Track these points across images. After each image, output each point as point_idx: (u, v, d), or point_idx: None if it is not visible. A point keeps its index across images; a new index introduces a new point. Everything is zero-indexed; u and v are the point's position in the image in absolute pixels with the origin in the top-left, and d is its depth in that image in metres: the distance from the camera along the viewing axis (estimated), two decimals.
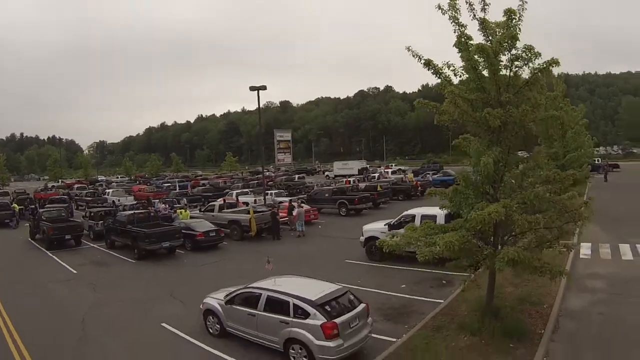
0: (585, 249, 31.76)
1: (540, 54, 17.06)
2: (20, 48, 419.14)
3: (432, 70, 18.00)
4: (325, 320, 16.29)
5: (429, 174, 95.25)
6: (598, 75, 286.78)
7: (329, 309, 16.84)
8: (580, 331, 18.82)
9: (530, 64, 17.27)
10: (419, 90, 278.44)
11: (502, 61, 17.36)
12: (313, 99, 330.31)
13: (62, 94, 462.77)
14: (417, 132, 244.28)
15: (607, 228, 37.87)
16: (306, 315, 16.74)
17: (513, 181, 18.41)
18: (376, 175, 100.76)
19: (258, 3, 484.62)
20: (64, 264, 35.40)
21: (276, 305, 17.79)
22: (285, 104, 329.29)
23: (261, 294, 18.46)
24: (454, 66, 17.92)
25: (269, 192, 63.84)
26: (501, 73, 17.45)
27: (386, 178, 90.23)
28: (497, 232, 17.91)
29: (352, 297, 18.28)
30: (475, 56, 17.29)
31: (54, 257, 38.20)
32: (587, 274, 26.55)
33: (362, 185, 74.75)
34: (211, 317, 20.25)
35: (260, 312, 18.11)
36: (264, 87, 53.83)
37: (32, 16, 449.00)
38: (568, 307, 21.34)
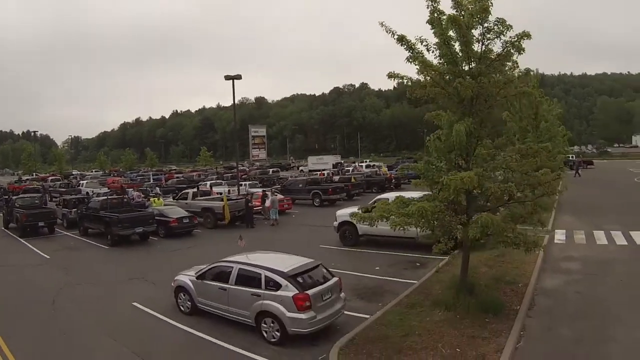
0: (559, 235, 31.88)
1: (511, 27, 17.14)
2: None
3: (405, 46, 17.89)
4: (297, 292, 16.15)
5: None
6: (573, 76, 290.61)
7: (301, 281, 16.69)
8: (557, 308, 18.81)
9: (502, 37, 17.29)
10: (394, 87, 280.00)
11: (474, 35, 17.39)
12: (288, 96, 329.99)
13: (37, 89, 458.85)
14: (392, 129, 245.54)
15: (580, 218, 38.44)
16: (278, 287, 16.59)
17: (484, 152, 18.31)
18: (350, 169, 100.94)
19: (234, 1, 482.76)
20: (36, 249, 35.16)
21: (247, 278, 17.61)
22: (260, 100, 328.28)
23: (232, 267, 18.30)
24: (426, 41, 17.81)
25: (243, 183, 63.59)
26: (473, 47, 17.47)
27: (360, 171, 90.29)
28: (470, 204, 17.88)
29: (324, 270, 18.17)
30: (449, 32, 17.33)
31: (27, 243, 37.86)
32: (562, 256, 26.64)
33: (336, 178, 74.63)
34: (182, 294, 20.00)
35: (231, 286, 17.92)
36: (239, 77, 53.34)
37: (4, 10, 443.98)
38: (543, 287, 21.39)
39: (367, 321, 17.82)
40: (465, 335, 15.89)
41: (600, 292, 20.53)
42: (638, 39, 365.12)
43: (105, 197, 43.09)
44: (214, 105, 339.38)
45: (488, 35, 17.37)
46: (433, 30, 17.68)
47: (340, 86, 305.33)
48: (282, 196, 51.37)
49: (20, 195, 53.66)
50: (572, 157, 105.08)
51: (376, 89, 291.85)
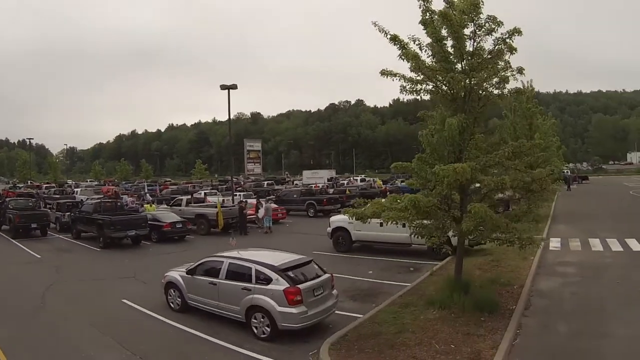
0: (554, 243, 31.82)
1: (502, 23, 17.29)
2: None
3: (398, 46, 17.89)
4: (288, 286, 15.95)
5: (397, 180, 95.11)
6: (569, 93, 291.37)
7: (292, 275, 16.52)
8: (553, 308, 18.68)
9: (494, 34, 17.44)
10: (390, 104, 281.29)
11: (466, 34, 17.50)
12: (284, 112, 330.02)
13: (34, 99, 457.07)
14: (387, 145, 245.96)
15: (576, 227, 38.68)
16: (268, 280, 16.41)
17: (475, 150, 18.16)
18: (345, 182, 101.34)
19: (230, 16, 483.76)
20: (28, 250, 35.11)
21: (238, 272, 17.45)
22: (256, 116, 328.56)
23: (223, 261, 18.16)
24: (419, 40, 17.91)
25: (238, 193, 63.45)
26: (465, 44, 17.59)
27: (354, 185, 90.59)
28: (463, 202, 17.81)
29: (316, 266, 17.98)
30: (441, 31, 17.46)
31: (18, 244, 37.82)
32: (557, 262, 26.57)
33: (330, 190, 74.66)
34: (172, 291, 19.78)
35: (221, 281, 17.73)
36: (234, 86, 53.33)
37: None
38: (539, 289, 21.25)
39: (360, 319, 17.58)
40: (460, 333, 15.66)
41: (597, 293, 20.42)
42: (632, 57, 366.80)
43: (99, 200, 43.00)
44: (210, 120, 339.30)
45: (479, 32, 17.49)
46: (425, 31, 17.78)
47: (336, 102, 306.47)
48: (275, 205, 51.13)
49: (14, 198, 53.44)
50: (567, 171, 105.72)
51: (372, 106, 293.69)
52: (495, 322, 16.55)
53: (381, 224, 29.27)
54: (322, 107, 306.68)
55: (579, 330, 16.20)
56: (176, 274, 19.89)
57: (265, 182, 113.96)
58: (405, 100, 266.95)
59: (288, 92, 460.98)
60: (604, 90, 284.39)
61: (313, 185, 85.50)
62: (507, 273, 23.24)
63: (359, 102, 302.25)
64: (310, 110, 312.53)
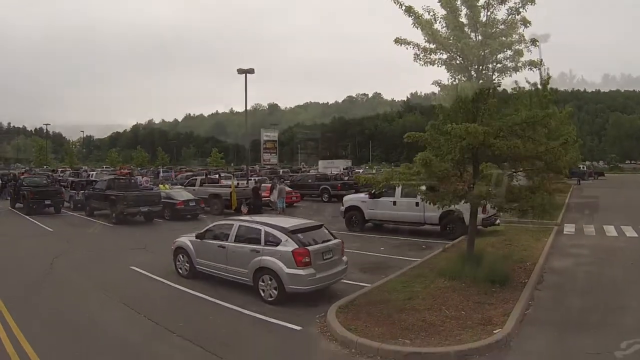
0: (569, 228, 31.68)
1: None
2: (6, 39, 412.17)
3: (412, 17, 17.82)
4: (297, 247, 15.86)
5: None
6: (587, 92, 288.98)
7: (301, 237, 16.44)
8: (566, 285, 18.48)
9: (507, 3, 17.32)
10: (407, 98, 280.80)
11: (479, 4, 17.41)
12: (302, 104, 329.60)
13: (51, 88, 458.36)
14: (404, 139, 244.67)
15: (590, 215, 38.20)
16: (277, 242, 16.36)
17: (489, 117, 17.97)
18: (361, 170, 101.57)
19: (250, 7, 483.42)
20: (41, 224, 35.38)
21: (247, 235, 17.49)
22: (273, 107, 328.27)
23: (233, 224, 18.25)
24: (433, 11, 17.81)
25: (253, 178, 63.29)
26: (480, 15, 17.48)
27: (370, 173, 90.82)
28: (476, 170, 17.73)
29: (327, 231, 18.01)
30: (456, 2, 17.42)
31: (32, 219, 38.16)
32: (571, 244, 26.36)
33: (345, 177, 74.60)
34: (181, 256, 19.82)
35: (230, 244, 17.71)
36: (251, 71, 53.18)
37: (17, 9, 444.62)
38: (552, 267, 21.07)
39: (370, 287, 17.51)
40: (470, 301, 15.51)
41: (610, 273, 20.20)
42: None
43: (113, 177, 43.16)
44: (227, 111, 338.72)
45: (492, 2, 17.38)
46: (440, 2, 17.74)
47: (354, 95, 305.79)
48: (289, 189, 50.85)
49: (28, 176, 53.73)
50: (583, 167, 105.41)
51: (389, 99, 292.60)
52: (506, 293, 16.34)
53: (394, 203, 29.33)
54: (340, 100, 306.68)
55: (592, 304, 15.99)
56: (186, 239, 19.96)
57: (281, 170, 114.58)
58: (422, 94, 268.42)
59: (306, 84, 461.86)
60: (622, 90, 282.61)
61: (329, 172, 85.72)
62: (520, 251, 23.09)
63: (376, 95, 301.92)
64: (327, 103, 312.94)
